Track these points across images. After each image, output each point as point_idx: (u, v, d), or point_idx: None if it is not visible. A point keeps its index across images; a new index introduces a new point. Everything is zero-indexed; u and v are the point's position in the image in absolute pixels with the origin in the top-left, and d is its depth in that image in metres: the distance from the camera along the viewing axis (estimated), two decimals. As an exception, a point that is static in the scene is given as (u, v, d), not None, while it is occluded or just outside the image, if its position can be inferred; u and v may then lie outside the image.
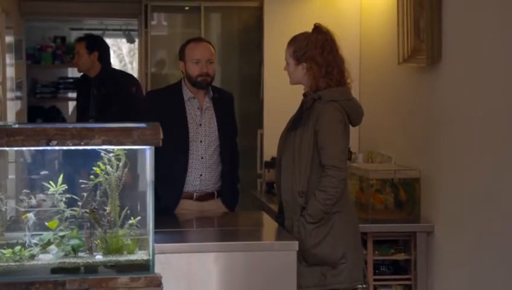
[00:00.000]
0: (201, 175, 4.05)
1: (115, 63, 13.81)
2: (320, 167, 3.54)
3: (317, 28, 3.65)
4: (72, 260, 2.88)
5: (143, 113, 4.19)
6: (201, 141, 4.06)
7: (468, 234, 3.97)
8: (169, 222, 3.70)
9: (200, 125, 4.07)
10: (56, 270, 2.86)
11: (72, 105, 10.22)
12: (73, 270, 2.86)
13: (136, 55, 9.21)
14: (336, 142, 3.54)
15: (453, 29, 4.19)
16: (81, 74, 5.95)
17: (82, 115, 5.81)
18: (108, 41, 12.55)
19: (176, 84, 4.18)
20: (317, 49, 3.60)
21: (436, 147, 4.38)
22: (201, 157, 4.05)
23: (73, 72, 10.09)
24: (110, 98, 5.44)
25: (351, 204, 3.73)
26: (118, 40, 12.20)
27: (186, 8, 6.97)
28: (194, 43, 4.13)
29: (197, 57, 4.04)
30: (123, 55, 13.64)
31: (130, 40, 10.01)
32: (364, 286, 3.90)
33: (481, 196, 3.83)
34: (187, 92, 4.09)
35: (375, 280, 4.49)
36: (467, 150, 3.99)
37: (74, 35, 10.18)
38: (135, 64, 11.81)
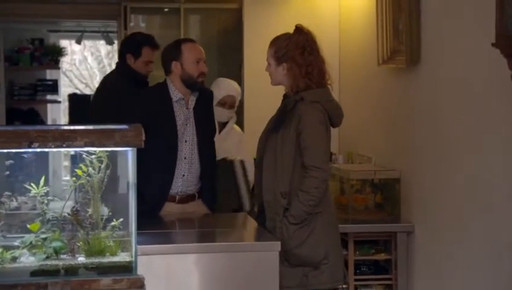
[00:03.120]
0: (183, 175, 4.04)
1: (94, 65, 13.79)
2: (302, 167, 3.55)
3: (299, 29, 3.67)
4: (54, 262, 2.87)
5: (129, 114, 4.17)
6: (186, 141, 4.05)
7: (448, 234, 4.00)
8: (152, 224, 3.69)
9: (187, 125, 4.06)
10: (37, 272, 2.85)
11: (51, 107, 10.17)
12: (55, 272, 2.85)
13: (115, 57, 9.17)
14: (319, 143, 3.56)
15: (431, 30, 4.22)
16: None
17: None
18: (87, 43, 12.58)
19: (161, 85, 4.15)
20: (297, 50, 3.61)
21: (415, 147, 4.42)
22: (185, 158, 4.04)
23: (51, 74, 10.05)
24: None
25: (331, 205, 3.75)
26: (97, 42, 12.17)
27: (166, 9, 6.96)
28: (191, 44, 4.14)
29: (198, 56, 4.05)
30: (102, 57, 13.62)
31: (109, 42, 9.98)
32: (344, 286, 3.92)
33: (461, 196, 3.87)
34: (176, 93, 4.06)
35: (356, 280, 4.51)
36: (447, 150, 4.03)
37: (52, 37, 10.14)
38: (114, 66, 11.78)
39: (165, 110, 4.02)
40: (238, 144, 4.83)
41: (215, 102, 4.53)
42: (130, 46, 4.92)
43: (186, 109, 4.06)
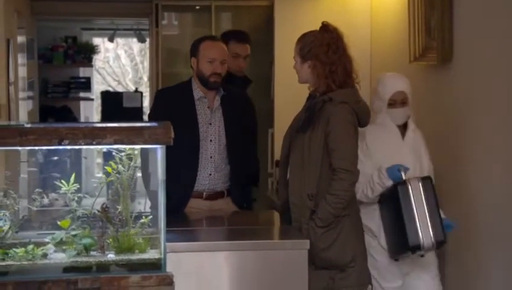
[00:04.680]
0: (210, 174, 4.05)
1: (126, 63, 13.88)
2: (330, 169, 3.50)
3: (325, 26, 3.64)
4: (84, 259, 2.90)
5: (153, 112, 4.20)
6: (211, 140, 4.06)
7: (480, 234, 3.96)
8: (180, 221, 3.70)
9: (210, 124, 4.07)
10: (68, 269, 2.87)
11: (83, 105, 10.26)
12: (86, 269, 2.87)
13: (147, 55, 9.23)
14: (348, 144, 3.51)
15: (464, 27, 4.18)
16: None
17: None
18: (120, 41, 12.67)
19: (185, 83, 4.18)
20: (322, 47, 3.57)
21: (447, 145, 4.37)
22: (211, 157, 4.05)
23: (84, 72, 10.14)
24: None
25: (357, 206, 3.70)
26: (129, 39, 12.25)
27: (197, 7, 6.99)
28: (210, 42, 4.12)
29: (212, 56, 4.03)
30: (134, 54, 13.68)
31: (141, 40, 10.05)
32: (370, 287, 3.87)
33: (492, 196, 3.82)
34: (197, 91, 4.09)
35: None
36: (479, 149, 3.98)
37: (85, 35, 10.24)
38: (146, 64, 11.85)
39: (186, 108, 4.04)
40: (424, 149, 4.03)
41: (384, 104, 3.89)
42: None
43: (208, 108, 4.07)
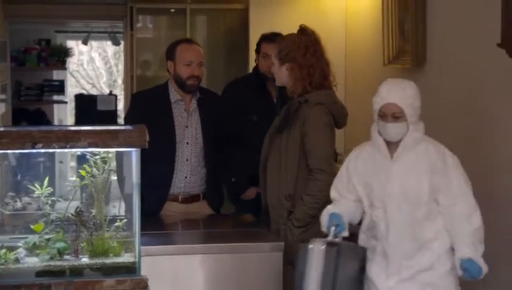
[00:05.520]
0: (186, 177, 4.05)
1: (101, 66, 13.82)
2: (306, 170, 3.53)
3: (303, 30, 3.66)
4: (58, 263, 2.88)
5: (129, 115, 4.18)
6: (187, 143, 4.05)
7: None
8: (156, 224, 3.69)
9: (187, 127, 4.06)
10: (41, 273, 2.85)
11: (57, 108, 10.19)
12: (59, 273, 2.86)
13: (122, 58, 9.19)
14: (323, 145, 3.53)
15: (437, 31, 4.21)
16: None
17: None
18: (94, 43, 12.61)
19: (162, 86, 4.17)
20: (300, 50, 3.59)
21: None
22: (187, 160, 4.04)
23: (58, 75, 10.07)
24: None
25: None
26: (104, 42, 12.19)
27: (172, 10, 6.97)
28: (186, 45, 4.12)
29: (189, 59, 4.03)
30: (108, 57, 13.63)
31: (116, 43, 10.00)
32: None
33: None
34: (174, 94, 4.08)
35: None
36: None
37: (59, 38, 10.16)
38: (120, 67, 11.80)
39: (163, 111, 4.03)
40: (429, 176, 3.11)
41: (375, 114, 3.10)
42: (256, 45, 4.85)
43: (185, 111, 4.06)
